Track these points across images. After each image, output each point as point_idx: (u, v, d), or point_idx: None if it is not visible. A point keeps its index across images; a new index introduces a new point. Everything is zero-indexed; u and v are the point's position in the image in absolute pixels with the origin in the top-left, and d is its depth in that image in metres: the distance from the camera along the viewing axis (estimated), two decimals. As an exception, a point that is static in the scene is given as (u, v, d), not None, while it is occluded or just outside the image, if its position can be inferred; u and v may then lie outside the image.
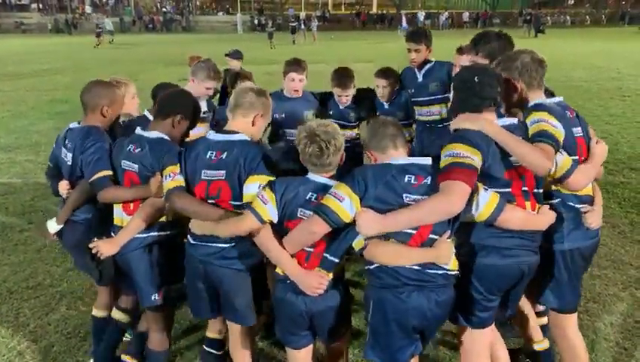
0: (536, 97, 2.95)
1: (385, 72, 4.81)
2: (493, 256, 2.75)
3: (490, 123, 2.69)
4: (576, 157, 2.90)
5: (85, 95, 3.39)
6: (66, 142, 3.37)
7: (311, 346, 2.97)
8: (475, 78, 2.72)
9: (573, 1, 70.61)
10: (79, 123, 3.42)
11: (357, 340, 3.84)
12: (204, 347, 3.44)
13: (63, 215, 3.37)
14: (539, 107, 2.86)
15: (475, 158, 2.56)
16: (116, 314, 3.59)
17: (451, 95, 2.92)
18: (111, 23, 43.03)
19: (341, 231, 2.63)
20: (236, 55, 7.52)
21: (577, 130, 2.96)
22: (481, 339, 2.93)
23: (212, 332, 3.39)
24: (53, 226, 3.41)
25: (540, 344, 3.45)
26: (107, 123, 3.42)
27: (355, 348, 3.79)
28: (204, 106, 4.37)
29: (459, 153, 2.55)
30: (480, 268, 2.77)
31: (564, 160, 2.81)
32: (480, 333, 2.91)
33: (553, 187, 2.94)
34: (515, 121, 2.83)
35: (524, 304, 3.36)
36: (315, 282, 2.68)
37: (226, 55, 7.61)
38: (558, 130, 2.76)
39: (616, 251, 5.37)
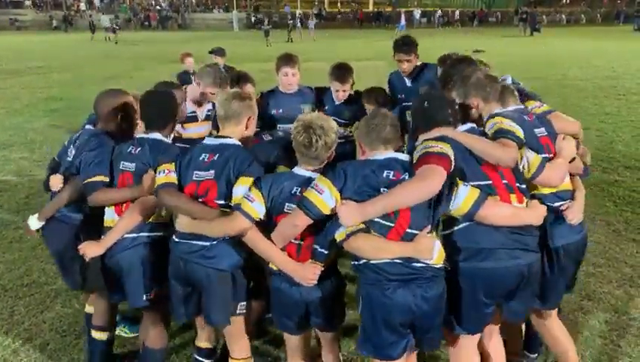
0: (490, 110, 3.06)
1: (374, 98, 4.62)
2: (490, 260, 2.72)
3: (450, 131, 2.83)
4: (545, 155, 2.97)
5: (97, 105, 3.39)
6: (77, 141, 3.40)
7: (307, 333, 3.07)
8: (425, 104, 2.91)
9: (568, 0, 70.77)
10: (94, 126, 3.43)
11: (352, 336, 3.84)
12: (194, 356, 3.38)
13: (47, 211, 3.32)
14: (493, 115, 2.98)
15: (446, 148, 2.68)
16: (96, 334, 3.55)
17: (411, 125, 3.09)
18: (108, 20, 42.81)
19: (326, 223, 2.70)
20: (220, 52, 8.44)
21: (540, 131, 3.05)
22: (470, 340, 2.93)
23: (201, 341, 3.34)
24: (34, 223, 3.35)
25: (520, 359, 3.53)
26: (125, 127, 3.42)
27: (352, 345, 3.80)
28: (208, 106, 4.40)
29: (429, 145, 2.69)
30: (476, 273, 2.74)
31: (533, 158, 2.88)
32: (470, 336, 2.91)
33: (531, 190, 2.96)
34: (473, 125, 2.96)
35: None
36: (309, 273, 2.76)
37: (210, 52, 8.46)
38: (515, 128, 2.85)
39: (611, 249, 5.39)
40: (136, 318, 3.78)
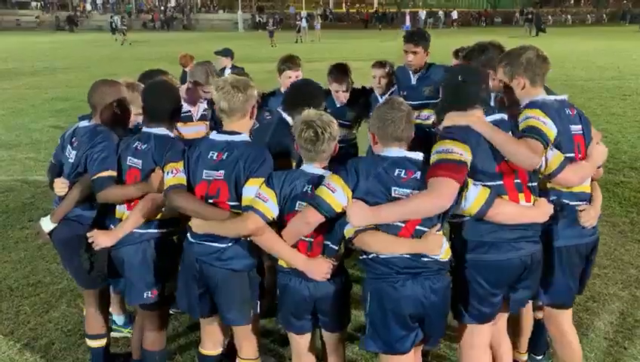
0: (537, 93, 2.95)
1: (382, 63, 4.81)
2: (493, 251, 2.75)
3: (478, 119, 2.74)
4: (572, 155, 2.92)
5: (92, 96, 3.34)
6: (73, 140, 3.34)
7: (313, 333, 3.06)
8: (459, 78, 2.81)
9: (574, 1, 70.53)
10: (89, 121, 3.37)
11: (356, 337, 3.84)
12: None
13: (59, 212, 3.30)
14: (532, 105, 2.88)
15: (465, 154, 2.61)
16: (91, 343, 3.56)
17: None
18: (119, 20, 42.72)
19: (336, 220, 2.71)
20: (226, 53, 7.83)
21: (576, 128, 2.98)
22: (481, 334, 2.93)
23: (205, 348, 3.29)
24: (47, 224, 3.32)
25: (523, 356, 3.52)
26: (121, 117, 3.37)
27: (355, 345, 3.80)
28: (203, 105, 4.40)
29: (448, 149, 2.60)
30: (481, 264, 2.78)
31: (554, 156, 2.83)
32: (480, 328, 2.91)
33: (549, 184, 2.94)
34: (504, 116, 2.87)
35: (527, 311, 3.36)
36: (325, 267, 2.77)
37: (216, 53, 7.91)
38: (548, 128, 2.78)
39: (617, 250, 5.38)
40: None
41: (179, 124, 4.35)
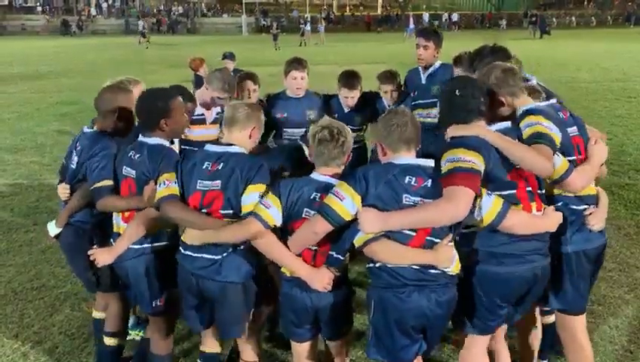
0: (526, 102, 2.95)
1: (389, 77, 4.80)
2: (506, 264, 2.70)
3: (484, 129, 2.71)
4: (574, 158, 2.91)
5: (96, 101, 3.37)
6: (77, 144, 3.39)
7: (314, 341, 3.05)
8: (457, 92, 2.76)
9: (580, 2, 70.35)
10: (90, 127, 3.41)
11: (359, 341, 3.83)
12: (198, 361, 3.35)
13: (62, 217, 3.36)
14: (532, 111, 2.86)
15: (477, 162, 2.56)
16: (107, 341, 3.57)
17: (437, 107, 2.91)
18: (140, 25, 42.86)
19: (344, 229, 2.67)
20: (231, 57, 9.30)
21: (573, 130, 2.97)
22: (481, 342, 2.91)
23: (206, 346, 3.29)
24: (53, 229, 3.40)
25: None
26: (122, 126, 3.38)
27: (359, 349, 3.79)
28: (217, 109, 4.42)
29: (460, 158, 2.55)
30: (492, 277, 2.73)
31: (561, 163, 2.80)
32: (480, 337, 2.89)
33: (555, 191, 2.92)
34: (508, 124, 2.84)
35: (535, 333, 3.36)
36: (327, 278, 2.74)
37: (223, 58, 9.11)
38: (554, 133, 2.76)
39: (622, 253, 5.35)
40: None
41: (190, 126, 4.37)
